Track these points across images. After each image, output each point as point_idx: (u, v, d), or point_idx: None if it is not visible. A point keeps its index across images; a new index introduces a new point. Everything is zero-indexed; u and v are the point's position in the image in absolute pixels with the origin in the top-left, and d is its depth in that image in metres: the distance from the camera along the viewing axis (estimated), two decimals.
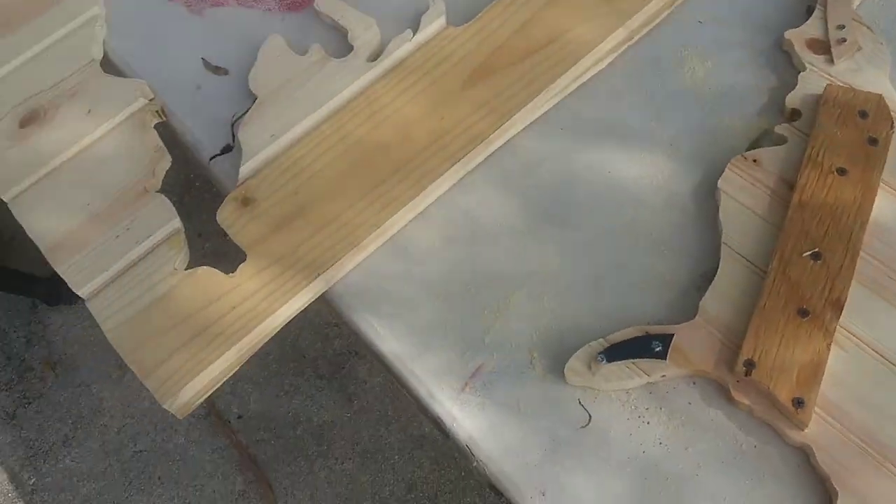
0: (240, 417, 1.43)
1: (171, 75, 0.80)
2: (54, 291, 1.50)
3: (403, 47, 0.78)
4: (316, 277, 0.67)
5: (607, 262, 0.68)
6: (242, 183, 0.72)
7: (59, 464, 1.39)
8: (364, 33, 0.79)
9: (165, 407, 0.64)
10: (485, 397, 0.64)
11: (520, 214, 0.71)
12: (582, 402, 0.63)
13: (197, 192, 1.63)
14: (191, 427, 1.41)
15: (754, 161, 0.69)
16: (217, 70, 0.79)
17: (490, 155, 0.74)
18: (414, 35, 0.78)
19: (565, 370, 0.63)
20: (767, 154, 0.70)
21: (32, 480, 1.38)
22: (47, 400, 1.46)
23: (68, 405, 1.45)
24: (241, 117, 0.76)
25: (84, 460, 1.40)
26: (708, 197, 0.70)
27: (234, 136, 0.76)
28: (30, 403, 1.46)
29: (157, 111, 0.76)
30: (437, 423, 0.65)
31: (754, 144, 0.72)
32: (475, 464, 0.63)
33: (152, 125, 0.75)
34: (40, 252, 0.70)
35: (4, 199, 0.72)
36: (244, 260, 0.69)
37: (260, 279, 0.68)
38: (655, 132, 0.74)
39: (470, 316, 0.67)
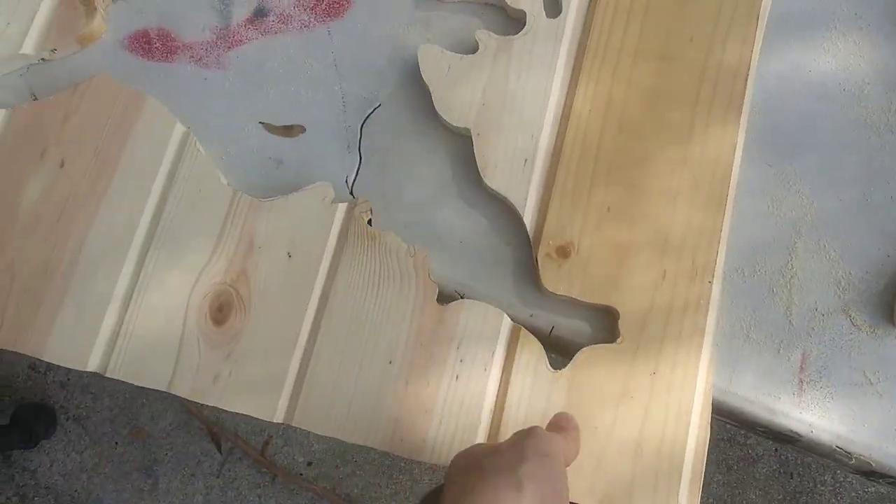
0: (310, 464, 1.26)
1: (231, 160, 0.58)
2: (28, 430, 1.23)
3: None
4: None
5: (864, 176, 0.58)
6: (538, 234, 0.54)
7: None
8: None
9: None
10: (827, 386, 0.54)
11: (742, 157, 0.59)
12: None
13: None
14: (263, 497, 1.24)
15: None
16: (289, 130, 0.58)
17: None
18: None
19: None
20: None
21: None
22: None
23: None
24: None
25: None
26: None
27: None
28: None
29: (367, 210, 0.55)
30: (787, 437, 0.54)
31: None
32: (853, 461, 0.53)
33: (367, 224, 0.54)
34: None
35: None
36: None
37: (662, 342, 0.52)
38: (829, 7, 0.62)
39: (761, 303, 0.56)
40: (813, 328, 0.55)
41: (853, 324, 0.55)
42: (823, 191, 0.57)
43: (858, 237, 0.56)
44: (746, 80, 0.56)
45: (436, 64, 0.57)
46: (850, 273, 0.56)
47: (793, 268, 0.56)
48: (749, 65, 0.57)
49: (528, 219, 0.55)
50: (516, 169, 0.55)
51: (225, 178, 0.56)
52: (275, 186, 0.56)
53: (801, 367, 0.54)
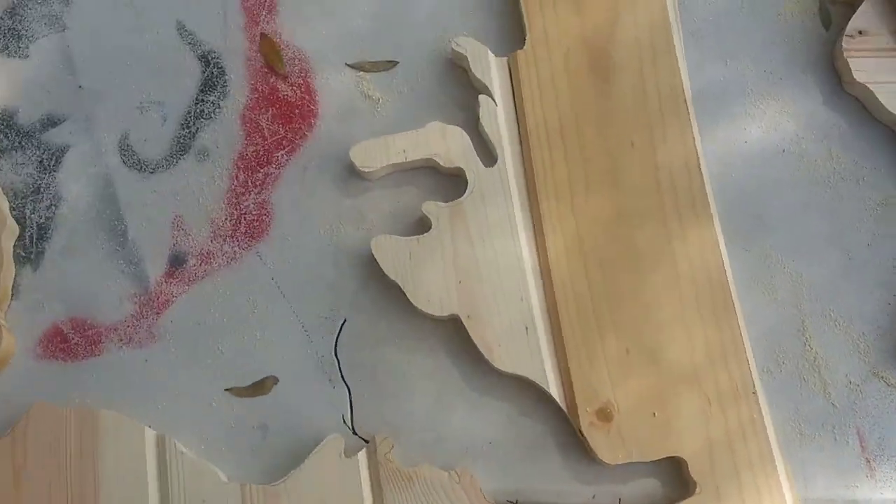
0: None
1: (211, 448, 0.50)
2: None
3: (501, 120, 0.56)
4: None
5: (835, 232, 0.57)
6: (571, 403, 0.50)
7: None
8: (448, 141, 0.55)
9: None
10: (892, 457, 0.52)
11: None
12: None
13: None
14: None
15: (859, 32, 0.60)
16: (260, 387, 0.51)
17: None
18: (494, 102, 0.56)
19: None
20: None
21: None
22: None
23: None
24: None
25: None
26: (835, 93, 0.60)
27: None
28: None
29: (389, 449, 0.48)
30: None
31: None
32: None
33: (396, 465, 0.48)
34: None
35: None
36: None
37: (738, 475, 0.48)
38: (737, 71, 0.61)
39: (799, 395, 0.53)
40: (855, 402, 0.53)
41: (888, 384, 0.54)
42: (806, 260, 0.56)
43: (856, 295, 0.56)
44: (700, 169, 0.55)
45: (395, 255, 0.52)
46: (864, 334, 0.55)
47: (812, 349, 0.54)
48: (696, 152, 0.55)
49: (554, 390, 0.50)
50: (520, 341, 0.51)
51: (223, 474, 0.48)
52: (273, 459, 0.49)
53: (862, 447, 0.52)
